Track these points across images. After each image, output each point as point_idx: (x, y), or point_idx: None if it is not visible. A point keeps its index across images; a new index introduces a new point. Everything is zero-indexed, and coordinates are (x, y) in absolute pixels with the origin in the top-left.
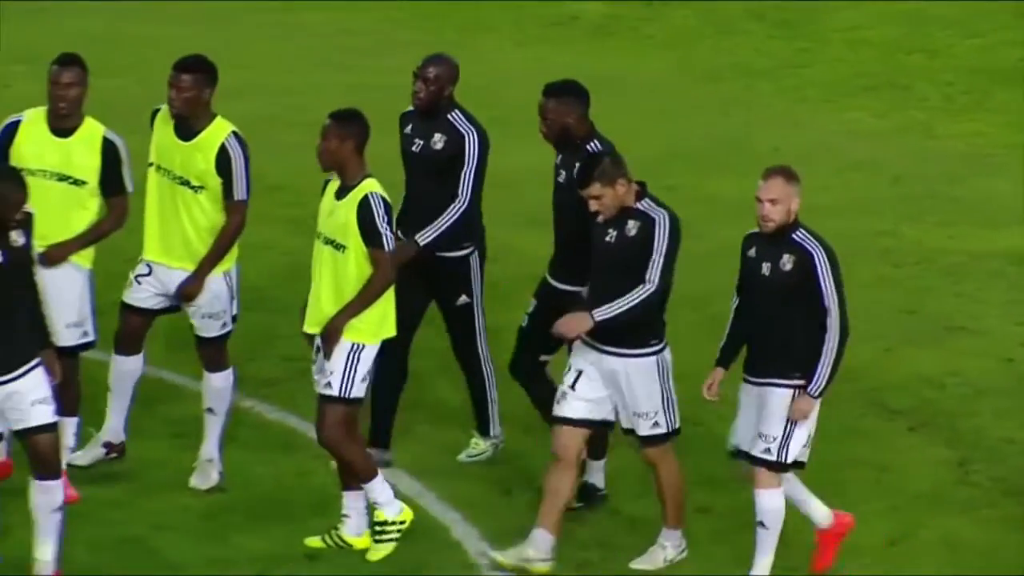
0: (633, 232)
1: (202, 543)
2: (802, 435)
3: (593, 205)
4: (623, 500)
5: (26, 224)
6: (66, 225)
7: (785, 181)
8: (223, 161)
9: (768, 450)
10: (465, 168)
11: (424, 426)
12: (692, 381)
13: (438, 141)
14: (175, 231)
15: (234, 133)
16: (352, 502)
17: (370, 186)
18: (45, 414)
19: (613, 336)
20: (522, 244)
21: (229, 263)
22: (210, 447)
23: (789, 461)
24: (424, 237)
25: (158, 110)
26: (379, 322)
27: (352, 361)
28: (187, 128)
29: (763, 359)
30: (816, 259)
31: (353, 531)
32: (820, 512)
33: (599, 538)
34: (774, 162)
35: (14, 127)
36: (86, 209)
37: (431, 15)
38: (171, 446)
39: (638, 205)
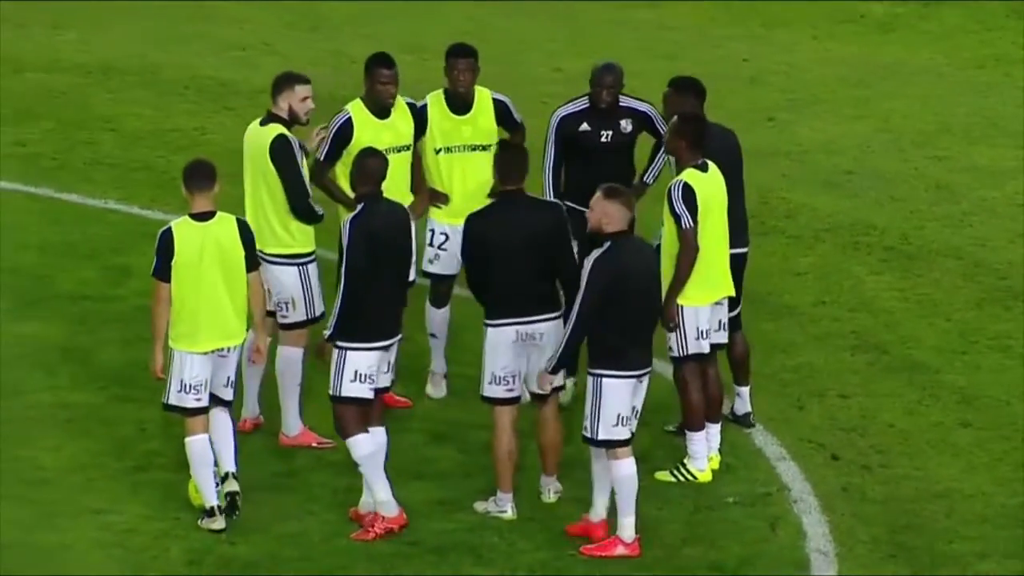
0: None
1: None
2: (609, 416)
3: None
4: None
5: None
6: (404, 184)
7: (602, 197)
8: (502, 109)
9: (585, 427)
10: (659, 126)
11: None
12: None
13: (626, 126)
14: (475, 191)
15: (492, 92)
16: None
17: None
18: (387, 380)
19: None
20: (815, 203)
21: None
22: (440, 363)
23: (600, 438)
24: (651, 175)
25: (425, 104)
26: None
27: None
28: (463, 104)
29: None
30: (587, 262)
31: (697, 465)
32: (600, 508)
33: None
34: None
35: (347, 123)
36: (409, 165)
37: (740, 12)
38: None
39: None
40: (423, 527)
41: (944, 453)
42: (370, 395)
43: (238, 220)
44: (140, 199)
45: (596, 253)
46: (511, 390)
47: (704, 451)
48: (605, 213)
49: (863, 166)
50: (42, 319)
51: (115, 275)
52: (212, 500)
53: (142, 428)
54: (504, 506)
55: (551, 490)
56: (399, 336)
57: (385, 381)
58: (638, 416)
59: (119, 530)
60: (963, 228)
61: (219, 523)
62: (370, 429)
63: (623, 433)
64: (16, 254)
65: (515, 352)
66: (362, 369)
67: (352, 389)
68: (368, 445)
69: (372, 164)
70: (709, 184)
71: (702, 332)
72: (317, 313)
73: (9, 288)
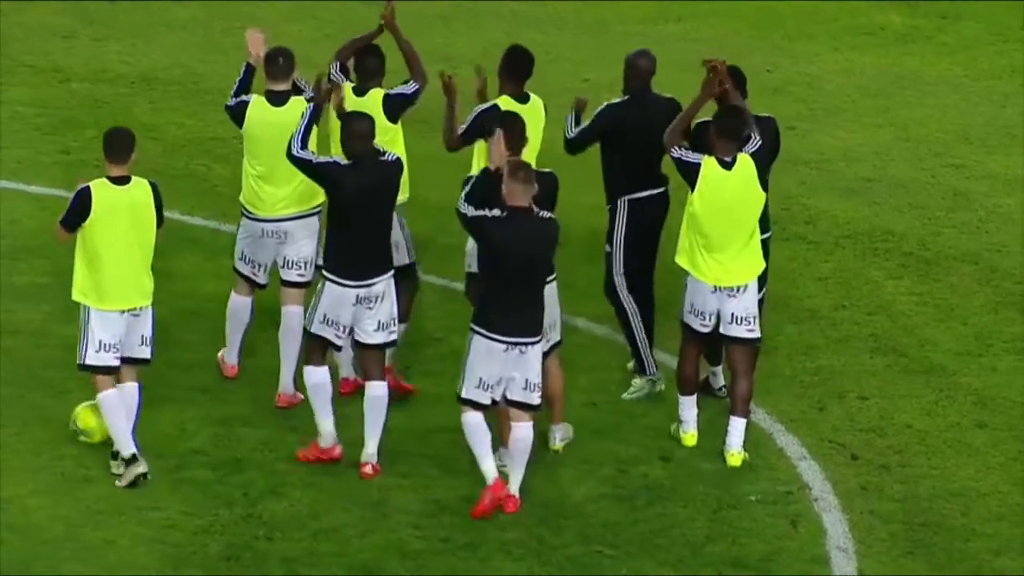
0: None
1: (574, 443)
2: (473, 377)
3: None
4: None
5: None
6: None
7: (507, 174)
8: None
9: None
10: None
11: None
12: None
13: None
14: None
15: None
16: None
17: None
18: (378, 337)
19: None
20: (835, 210)
21: None
22: None
23: (463, 396)
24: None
25: None
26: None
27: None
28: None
29: None
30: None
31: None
32: (490, 471)
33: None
34: None
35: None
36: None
37: (763, 25)
38: None
39: None
40: (454, 523)
41: (961, 453)
42: (333, 337)
43: (151, 183)
44: (181, 206)
45: (495, 211)
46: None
47: (690, 417)
48: (508, 190)
49: (882, 174)
50: None
51: (156, 279)
52: (131, 448)
53: (183, 428)
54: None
55: (558, 437)
56: (374, 282)
57: (377, 338)
58: (535, 389)
59: (160, 526)
60: (979, 234)
61: (143, 466)
62: (365, 383)
63: (483, 398)
64: (60, 259)
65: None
66: (331, 314)
67: (319, 328)
68: (316, 376)
69: (359, 125)
70: (728, 180)
71: (695, 309)
72: None
73: (54, 292)
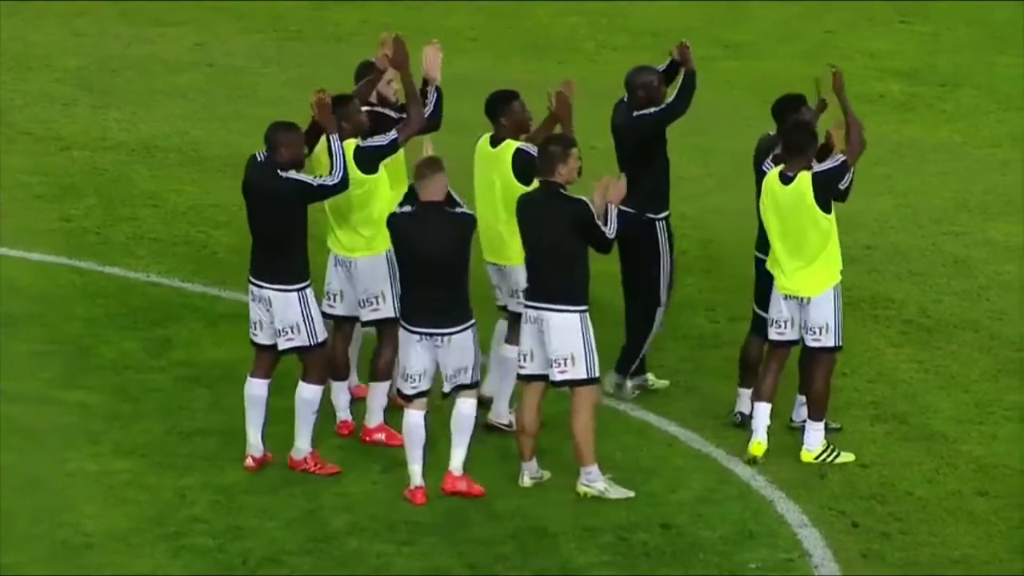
0: None
1: (575, 509)
2: (403, 368)
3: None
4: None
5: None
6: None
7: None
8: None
9: None
10: None
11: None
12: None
13: None
14: None
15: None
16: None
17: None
18: (285, 343)
19: None
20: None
21: None
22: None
23: (397, 386)
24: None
25: None
26: None
27: None
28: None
29: None
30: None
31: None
32: (415, 475)
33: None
34: None
35: None
36: None
37: (764, 93)
38: None
39: None
40: None
41: (961, 521)
42: (252, 338)
43: None
44: (181, 272)
45: (405, 207)
46: (522, 367)
47: (761, 424)
48: (420, 185)
49: (882, 241)
50: (86, 388)
51: (156, 346)
52: None
53: (182, 495)
54: (523, 474)
55: (527, 475)
56: (261, 285)
57: (282, 342)
58: (466, 372)
59: None
60: (980, 302)
61: None
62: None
63: (406, 388)
64: (61, 325)
65: (527, 333)
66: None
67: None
68: (247, 388)
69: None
70: (782, 195)
71: (771, 317)
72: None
73: (55, 358)
